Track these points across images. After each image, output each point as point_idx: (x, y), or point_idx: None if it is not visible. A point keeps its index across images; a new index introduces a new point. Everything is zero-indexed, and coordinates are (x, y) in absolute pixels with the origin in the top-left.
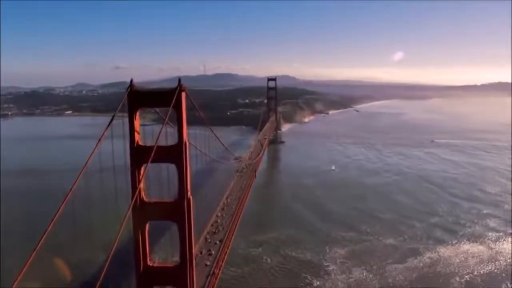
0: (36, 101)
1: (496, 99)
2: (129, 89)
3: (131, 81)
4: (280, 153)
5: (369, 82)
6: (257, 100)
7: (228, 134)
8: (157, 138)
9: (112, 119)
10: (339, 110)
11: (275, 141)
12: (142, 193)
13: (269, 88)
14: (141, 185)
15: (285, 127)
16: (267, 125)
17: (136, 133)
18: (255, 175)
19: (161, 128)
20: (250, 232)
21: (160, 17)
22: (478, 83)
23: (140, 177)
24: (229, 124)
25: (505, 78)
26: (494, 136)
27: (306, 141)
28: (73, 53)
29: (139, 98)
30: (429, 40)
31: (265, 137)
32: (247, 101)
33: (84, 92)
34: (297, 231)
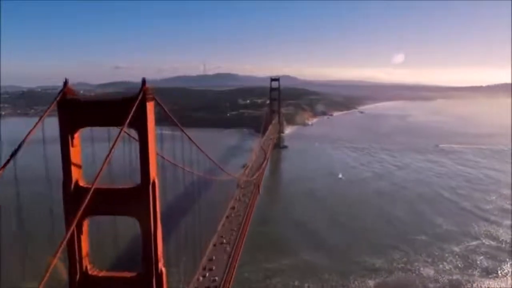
0: (32, 101)
1: (501, 101)
2: (59, 95)
3: (65, 83)
4: (283, 159)
5: (370, 82)
6: (258, 101)
7: (228, 137)
8: (98, 174)
9: (34, 126)
10: (343, 112)
11: (278, 146)
12: (86, 262)
13: (272, 89)
14: (85, 250)
15: (288, 130)
16: (270, 128)
17: (74, 168)
18: (259, 190)
19: (109, 154)
20: (259, 258)
21: (160, 17)
22: (484, 84)
23: (82, 238)
24: (229, 126)
25: (509, 79)
26: (502, 140)
27: (310, 145)
28: (74, 52)
29: (77, 112)
30: (429, 41)
31: (269, 141)
32: (248, 101)
33: (82, 92)
34: (314, 256)
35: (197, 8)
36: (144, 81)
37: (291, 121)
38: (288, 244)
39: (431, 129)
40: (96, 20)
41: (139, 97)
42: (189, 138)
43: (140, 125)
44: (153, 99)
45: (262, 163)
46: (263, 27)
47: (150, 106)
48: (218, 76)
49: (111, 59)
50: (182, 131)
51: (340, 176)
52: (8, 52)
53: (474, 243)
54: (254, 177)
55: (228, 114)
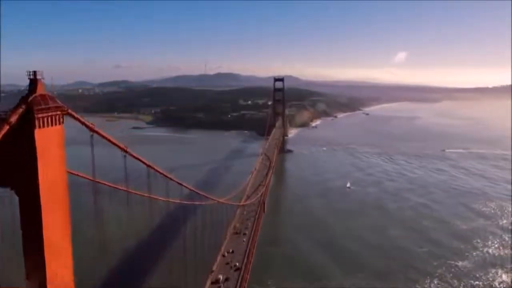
0: None
1: (508, 102)
2: None
3: None
4: (288, 165)
5: (373, 83)
6: (260, 102)
7: (229, 140)
8: None
9: None
10: (347, 113)
11: (282, 150)
12: None
13: (275, 89)
14: None
15: (292, 132)
16: (274, 132)
17: None
18: (264, 209)
19: None
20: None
21: (161, 16)
22: (490, 85)
23: None
24: (230, 128)
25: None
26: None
27: (315, 149)
28: (75, 51)
29: None
30: (432, 41)
31: (274, 146)
32: (249, 102)
33: (80, 90)
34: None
35: (198, 7)
36: (33, 81)
37: (294, 122)
38: (297, 268)
39: (440, 133)
40: (97, 19)
41: (13, 118)
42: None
43: (20, 181)
44: (60, 119)
45: (267, 174)
46: (263, 27)
47: (48, 135)
48: (219, 75)
49: (112, 58)
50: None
51: (348, 185)
52: (8, 51)
53: None
54: (255, 198)
55: (229, 116)
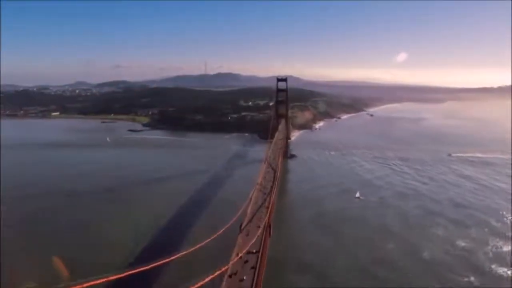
0: (25, 101)
1: (509, 102)
2: None
3: None
4: (292, 173)
5: (374, 83)
6: (261, 103)
7: (229, 144)
8: None
9: None
10: (351, 114)
11: (285, 154)
12: None
13: (278, 90)
14: None
15: (294, 135)
16: (277, 135)
17: None
18: (270, 233)
19: None
20: None
21: (161, 16)
22: (495, 85)
23: None
24: (230, 130)
25: None
26: None
27: (320, 153)
28: (75, 51)
29: None
30: (434, 41)
31: (277, 151)
32: (250, 103)
33: (77, 91)
34: None
35: (198, 7)
36: None
37: (297, 124)
38: None
39: (447, 135)
40: (97, 19)
41: None
42: None
43: None
44: None
45: (271, 188)
46: (263, 27)
47: None
48: (220, 75)
49: (112, 58)
50: None
51: (357, 195)
52: (8, 51)
53: None
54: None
55: (229, 117)
